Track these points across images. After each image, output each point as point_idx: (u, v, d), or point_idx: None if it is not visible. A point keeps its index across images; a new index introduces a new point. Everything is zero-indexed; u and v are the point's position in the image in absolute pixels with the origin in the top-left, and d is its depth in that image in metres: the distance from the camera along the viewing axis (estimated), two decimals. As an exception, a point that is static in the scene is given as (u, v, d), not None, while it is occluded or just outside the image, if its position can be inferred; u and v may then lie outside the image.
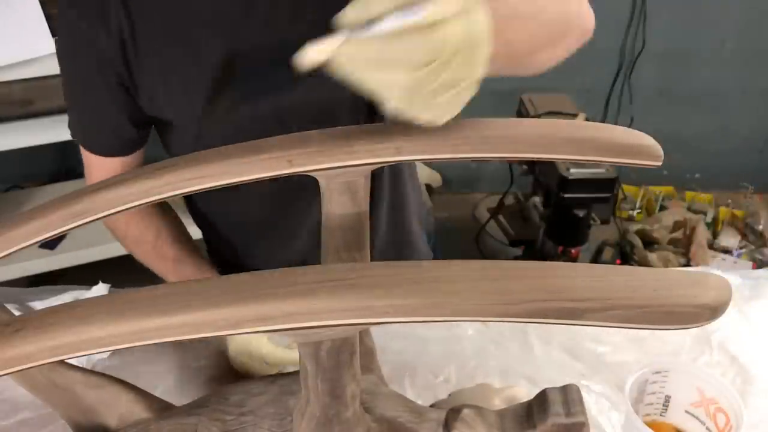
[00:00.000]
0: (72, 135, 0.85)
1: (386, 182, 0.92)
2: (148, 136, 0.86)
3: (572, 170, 1.89)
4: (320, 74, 0.74)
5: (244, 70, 0.75)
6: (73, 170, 2.49)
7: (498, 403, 0.70)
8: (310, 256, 0.91)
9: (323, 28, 0.72)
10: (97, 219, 0.51)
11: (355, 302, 0.40)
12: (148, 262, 0.91)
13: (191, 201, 0.96)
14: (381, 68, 0.44)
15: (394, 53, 0.43)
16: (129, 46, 0.74)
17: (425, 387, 0.79)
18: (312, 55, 0.43)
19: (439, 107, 0.47)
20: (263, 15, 0.73)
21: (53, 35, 1.55)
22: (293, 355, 0.76)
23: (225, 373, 0.81)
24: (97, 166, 0.85)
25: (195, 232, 0.98)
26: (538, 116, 2.04)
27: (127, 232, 0.89)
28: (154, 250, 0.89)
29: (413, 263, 0.43)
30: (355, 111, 0.79)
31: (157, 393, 0.62)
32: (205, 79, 0.76)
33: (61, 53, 0.79)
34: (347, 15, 0.44)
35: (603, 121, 2.50)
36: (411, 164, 0.99)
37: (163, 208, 0.91)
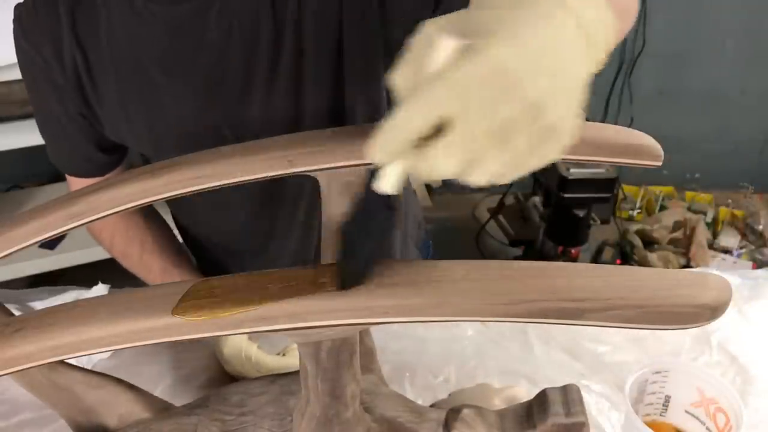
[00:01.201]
0: (50, 159, 0.86)
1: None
2: (125, 155, 0.87)
3: (572, 170, 1.89)
4: (276, 96, 0.74)
5: (200, 104, 0.74)
6: (73, 170, 2.49)
7: (498, 403, 0.70)
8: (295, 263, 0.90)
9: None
10: (97, 219, 0.51)
11: (355, 302, 0.40)
12: (134, 271, 0.92)
13: (177, 219, 0.96)
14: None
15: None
16: (84, 79, 0.74)
17: (425, 387, 0.79)
18: (388, 184, 0.37)
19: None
20: (217, 52, 0.72)
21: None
22: (284, 362, 0.76)
23: (224, 373, 0.80)
24: (77, 184, 0.86)
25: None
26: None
27: (113, 243, 0.90)
28: (140, 263, 0.90)
29: (413, 263, 0.43)
30: (324, 126, 0.78)
31: (157, 393, 0.62)
32: (163, 113, 0.76)
33: (25, 83, 0.79)
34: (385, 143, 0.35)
35: (603, 121, 2.50)
36: None
37: (149, 218, 0.91)
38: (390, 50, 0.75)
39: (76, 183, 0.87)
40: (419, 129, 0.34)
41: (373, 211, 0.38)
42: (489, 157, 0.34)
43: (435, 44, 0.34)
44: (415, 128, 0.34)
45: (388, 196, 0.37)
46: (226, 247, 0.94)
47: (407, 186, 1.02)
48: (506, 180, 0.35)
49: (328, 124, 0.75)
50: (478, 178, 0.34)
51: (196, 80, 0.73)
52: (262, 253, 0.90)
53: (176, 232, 0.98)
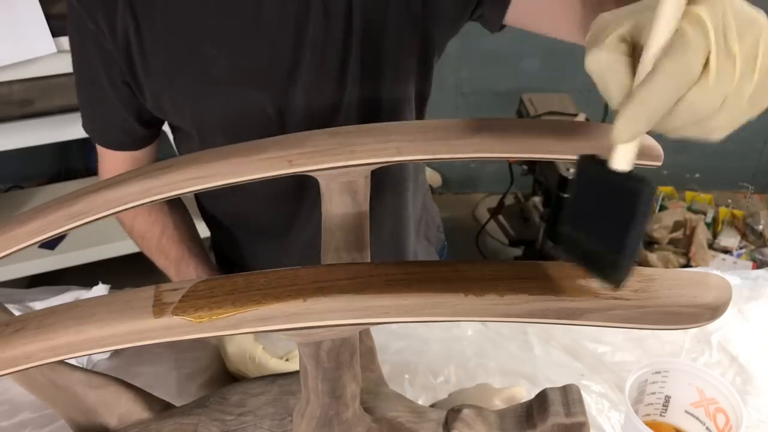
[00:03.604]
0: (83, 127, 0.86)
1: (388, 202, 0.92)
2: (159, 132, 0.88)
3: (572, 170, 1.89)
4: (321, 83, 0.76)
5: (250, 82, 0.76)
6: (73, 170, 2.49)
7: (498, 403, 0.70)
8: (313, 258, 0.91)
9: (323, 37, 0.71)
10: (97, 219, 0.51)
11: (355, 302, 0.40)
12: (151, 256, 0.92)
13: (199, 200, 0.96)
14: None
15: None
16: (134, 47, 0.75)
17: (425, 387, 0.79)
18: (623, 161, 0.36)
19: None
20: (270, 33, 0.74)
21: (53, 35, 1.55)
22: (287, 366, 0.76)
23: (225, 373, 0.81)
24: (108, 158, 0.87)
25: (203, 230, 0.98)
26: (538, 116, 2.04)
27: (134, 225, 0.90)
28: (158, 247, 0.90)
29: (413, 263, 0.43)
30: (349, 115, 0.80)
31: (157, 393, 0.62)
32: (214, 93, 0.77)
33: (72, 48, 0.80)
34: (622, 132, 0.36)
35: (603, 121, 2.50)
36: (417, 181, 0.98)
37: (173, 205, 0.92)
38: (425, 49, 0.78)
39: (107, 156, 0.87)
40: (676, 94, 0.34)
41: (615, 194, 0.36)
42: (740, 90, 0.35)
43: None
44: (673, 95, 0.34)
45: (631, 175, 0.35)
46: (248, 225, 0.94)
47: (425, 189, 1.02)
48: (733, 128, 0.37)
49: (363, 116, 0.79)
50: (726, 118, 0.36)
51: (246, 59, 0.75)
52: (283, 234, 0.91)
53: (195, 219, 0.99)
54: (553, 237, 2.10)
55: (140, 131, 0.84)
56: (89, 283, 0.94)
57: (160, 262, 0.91)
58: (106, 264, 1.82)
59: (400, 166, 0.90)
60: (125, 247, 1.85)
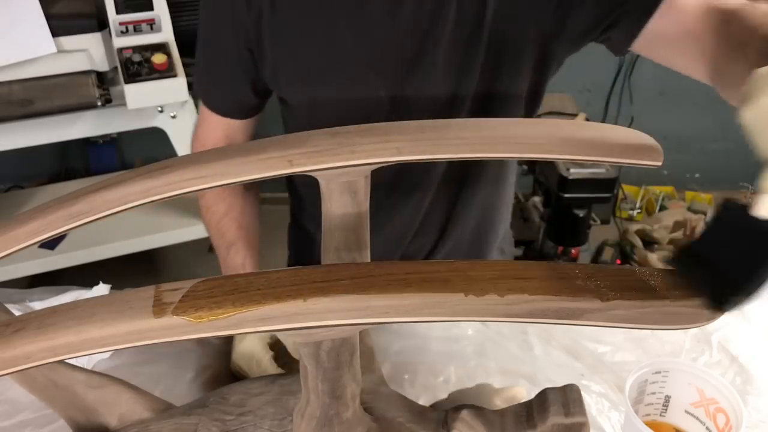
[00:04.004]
0: (194, 90, 0.92)
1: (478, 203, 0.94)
2: (263, 106, 0.91)
3: (572, 170, 1.89)
4: (439, 78, 0.78)
5: (373, 68, 0.80)
6: (73, 170, 2.49)
7: (498, 403, 0.70)
8: (393, 253, 0.95)
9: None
10: (97, 219, 0.51)
11: (355, 302, 0.40)
12: (209, 230, 0.94)
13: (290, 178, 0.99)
14: None
15: None
16: (266, 18, 0.78)
17: (425, 387, 0.79)
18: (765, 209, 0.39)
19: None
20: (404, 24, 0.77)
21: (54, 35, 1.55)
22: None
23: (225, 373, 0.80)
24: (208, 122, 0.90)
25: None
26: (538, 116, 2.04)
27: (204, 194, 0.92)
28: (218, 224, 0.92)
29: (413, 263, 0.43)
30: (459, 106, 0.82)
31: (157, 393, 0.62)
32: (334, 70, 0.80)
33: (203, 10, 0.84)
34: None
35: (603, 121, 2.50)
36: (507, 189, 1.01)
37: (247, 189, 0.94)
38: (543, 63, 0.81)
39: (208, 121, 0.91)
40: None
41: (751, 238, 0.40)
42: None
43: None
44: None
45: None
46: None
47: (506, 201, 1.05)
48: None
49: (472, 113, 0.82)
50: None
51: (374, 44, 0.78)
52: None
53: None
54: (553, 237, 2.10)
55: (250, 101, 0.88)
56: (89, 283, 0.94)
57: (215, 239, 0.93)
58: (106, 264, 1.82)
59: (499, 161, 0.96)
60: (125, 247, 1.85)
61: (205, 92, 0.90)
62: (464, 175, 0.90)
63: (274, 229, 1.24)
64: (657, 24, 0.72)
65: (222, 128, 0.90)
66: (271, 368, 0.76)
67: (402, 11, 0.77)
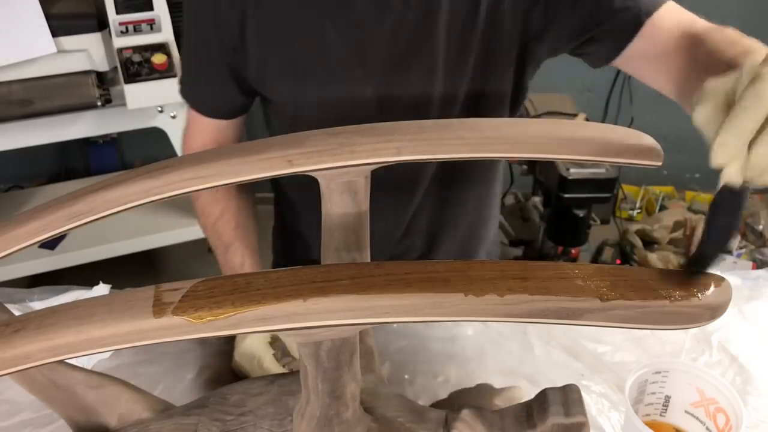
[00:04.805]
0: (180, 93, 0.89)
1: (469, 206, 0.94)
2: (250, 106, 0.90)
3: (572, 170, 1.89)
4: (427, 77, 0.78)
5: (359, 66, 0.79)
6: (73, 170, 2.49)
7: (498, 403, 0.69)
8: (383, 253, 0.95)
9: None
10: (97, 219, 0.51)
11: (355, 302, 0.40)
12: (206, 232, 0.94)
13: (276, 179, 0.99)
14: None
15: None
16: (250, 17, 0.78)
17: (425, 387, 0.79)
18: (731, 179, 0.43)
19: None
20: (391, 22, 0.76)
21: (54, 35, 1.55)
22: None
23: (225, 373, 0.80)
24: (197, 125, 0.89)
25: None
26: (538, 116, 2.04)
27: (199, 196, 0.92)
28: (214, 226, 0.92)
29: (413, 263, 0.43)
30: (448, 105, 0.82)
31: (157, 393, 0.62)
32: (319, 69, 0.79)
33: (186, 10, 0.84)
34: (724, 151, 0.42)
35: (603, 121, 2.50)
36: (496, 188, 1.01)
37: (240, 189, 0.93)
38: (522, 60, 0.82)
39: (197, 123, 0.90)
40: (752, 128, 0.40)
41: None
42: None
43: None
44: (748, 128, 0.40)
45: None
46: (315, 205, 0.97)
47: (496, 201, 1.04)
48: None
49: (459, 113, 0.82)
50: None
51: (361, 41, 0.78)
52: None
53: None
54: (553, 237, 2.10)
55: (237, 100, 0.87)
56: (89, 283, 0.94)
57: (213, 241, 0.93)
58: (106, 264, 1.82)
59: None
60: (125, 247, 1.85)
61: (191, 94, 0.89)
62: (453, 176, 0.90)
63: (270, 229, 1.24)
64: (637, 43, 0.74)
65: (210, 130, 0.89)
66: (273, 367, 0.76)
67: (389, 9, 0.76)
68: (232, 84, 0.84)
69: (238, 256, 0.90)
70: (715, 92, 0.45)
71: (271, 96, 0.85)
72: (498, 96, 0.83)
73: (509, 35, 0.78)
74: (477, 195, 0.96)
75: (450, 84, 0.80)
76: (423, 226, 0.94)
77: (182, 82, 0.89)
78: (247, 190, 0.95)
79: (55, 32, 1.55)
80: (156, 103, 1.67)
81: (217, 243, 0.92)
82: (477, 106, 0.82)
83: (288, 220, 1.04)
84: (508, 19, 0.77)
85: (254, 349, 0.76)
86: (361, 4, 0.76)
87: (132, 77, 1.58)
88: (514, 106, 0.87)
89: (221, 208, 0.91)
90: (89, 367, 0.77)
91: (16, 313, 0.60)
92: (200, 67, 0.86)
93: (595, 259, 2.30)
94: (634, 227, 2.39)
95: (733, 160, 0.42)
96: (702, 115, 0.45)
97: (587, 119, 2.03)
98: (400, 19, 0.76)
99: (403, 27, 0.77)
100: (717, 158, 0.42)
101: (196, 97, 0.89)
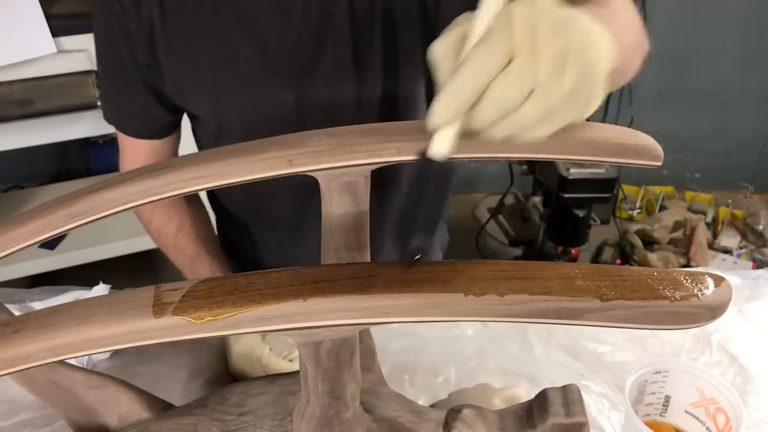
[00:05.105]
0: (105, 118, 0.86)
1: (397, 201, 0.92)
2: (179, 123, 0.88)
3: (572, 170, 1.89)
4: (340, 77, 0.77)
5: (272, 71, 0.78)
6: (73, 170, 2.49)
7: (498, 403, 0.70)
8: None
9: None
10: (97, 219, 0.51)
11: (355, 302, 0.40)
12: (167, 252, 0.92)
13: (212, 194, 0.97)
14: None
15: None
16: (158, 29, 0.76)
17: (425, 387, 0.79)
18: (440, 149, 0.40)
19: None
20: (295, 23, 0.75)
21: (54, 35, 1.55)
22: (293, 367, 0.76)
23: (225, 373, 0.80)
24: (129, 148, 0.87)
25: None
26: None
27: (151, 219, 0.90)
28: (174, 243, 0.90)
29: (413, 263, 0.43)
30: (366, 106, 0.81)
31: (157, 393, 0.62)
32: (233, 76, 0.78)
33: (97, 34, 0.81)
34: (440, 115, 0.39)
35: (603, 121, 2.50)
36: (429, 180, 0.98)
37: (191, 201, 0.92)
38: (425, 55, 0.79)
39: (128, 146, 0.87)
40: (479, 83, 0.37)
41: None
42: (548, 87, 0.37)
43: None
44: (476, 83, 0.37)
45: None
46: (258, 216, 0.95)
47: (448, 189, 1.03)
48: (551, 128, 0.40)
49: (379, 115, 0.80)
50: (533, 115, 0.38)
51: (270, 47, 0.76)
52: (294, 229, 0.91)
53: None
54: (553, 237, 2.10)
55: (164, 118, 0.84)
56: (89, 283, 0.94)
57: (176, 258, 0.91)
58: (106, 264, 1.82)
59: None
60: (125, 247, 1.85)
61: (116, 117, 0.86)
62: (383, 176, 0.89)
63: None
64: None
65: (146, 152, 0.86)
66: (273, 360, 0.76)
67: (290, 11, 0.75)
68: (154, 101, 0.82)
69: (206, 266, 0.89)
70: (455, 27, 0.40)
71: (191, 109, 0.83)
72: (414, 99, 0.81)
73: (409, 30, 0.76)
74: (411, 175, 0.93)
75: (363, 85, 0.78)
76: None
77: (104, 107, 0.86)
78: (198, 202, 0.93)
79: (55, 32, 1.55)
80: (156, 103, 1.67)
81: (180, 259, 0.90)
82: (396, 110, 0.81)
83: (235, 237, 1.02)
84: (403, 10, 0.75)
85: (250, 347, 0.76)
86: (263, 12, 0.75)
87: (132, 77, 1.58)
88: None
89: (177, 223, 0.89)
90: (89, 367, 0.77)
91: (16, 313, 0.60)
92: (119, 87, 0.83)
93: (595, 259, 2.30)
94: (634, 227, 2.39)
95: (447, 123, 0.38)
96: (434, 53, 0.40)
97: (587, 119, 2.03)
98: (303, 20, 0.75)
99: (308, 28, 0.75)
100: (432, 120, 0.39)
101: (121, 119, 0.85)
